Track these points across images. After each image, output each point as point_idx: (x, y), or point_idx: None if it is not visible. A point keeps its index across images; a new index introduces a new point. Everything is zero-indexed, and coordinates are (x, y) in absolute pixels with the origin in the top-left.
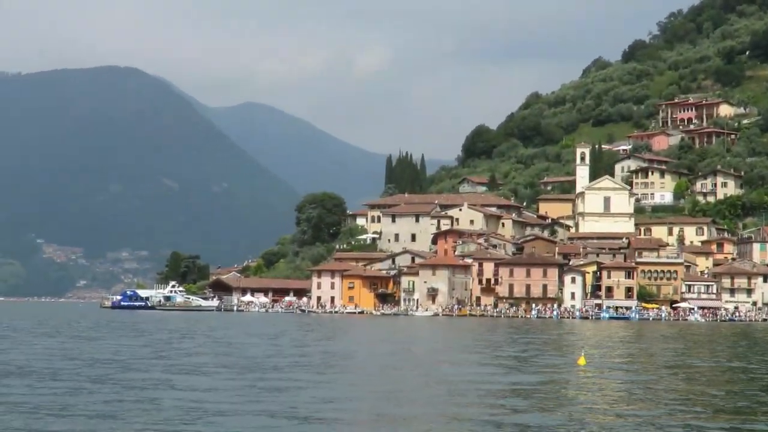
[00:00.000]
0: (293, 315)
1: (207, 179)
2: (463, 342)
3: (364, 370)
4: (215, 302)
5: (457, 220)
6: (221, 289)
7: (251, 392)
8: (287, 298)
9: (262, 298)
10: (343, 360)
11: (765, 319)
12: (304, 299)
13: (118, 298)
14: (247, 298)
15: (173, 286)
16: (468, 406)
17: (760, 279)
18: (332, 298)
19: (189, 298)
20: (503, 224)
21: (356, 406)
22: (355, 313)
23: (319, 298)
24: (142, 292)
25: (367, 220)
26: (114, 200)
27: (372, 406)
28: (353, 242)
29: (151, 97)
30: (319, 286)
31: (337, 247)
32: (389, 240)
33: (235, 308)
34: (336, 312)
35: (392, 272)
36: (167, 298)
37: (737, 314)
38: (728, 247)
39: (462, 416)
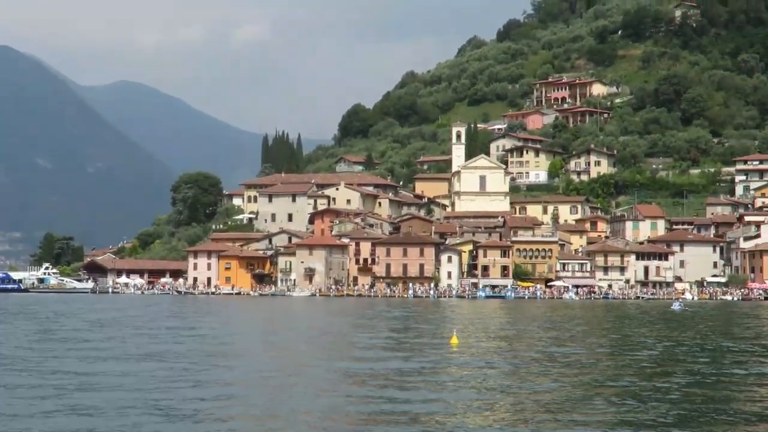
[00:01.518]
0: (170, 296)
1: (82, 159)
2: (335, 323)
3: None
4: (90, 284)
5: (334, 199)
6: (96, 270)
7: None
8: (163, 280)
9: (137, 280)
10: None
11: (638, 297)
12: (181, 280)
13: None
14: (123, 279)
15: (47, 268)
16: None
17: (633, 257)
18: (209, 279)
19: (63, 281)
20: (380, 203)
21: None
22: (232, 293)
23: (195, 279)
24: (15, 275)
25: (243, 200)
26: None
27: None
28: (230, 222)
29: (23, 76)
30: (195, 267)
31: (214, 227)
32: (266, 220)
33: (110, 290)
34: (213, 293)
35: (269, 252)
36: (41, 281)
37: (611, 292)
38: (602, 226)
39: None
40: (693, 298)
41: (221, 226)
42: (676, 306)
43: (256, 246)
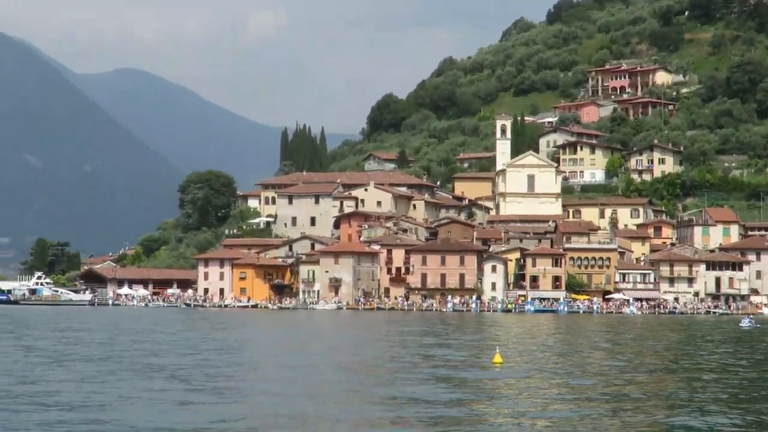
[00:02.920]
0: (177, 309)
1: (76, 156)
2: (367, 340)
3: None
4: (88, 296)
5: (363, 201)
6: (94, 280)
7: None
8: (170, 291)
9: (141, 291)
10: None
11: (708, 311)
12: (189, 291)
13: None
14: (124, 290)
15: (39, 278)
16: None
17: (702, 266)
18: (221, 290)
19: (58, 291)
20: (414, 206)
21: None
22: (247, 306)
23: (206, 290)
24: (3, 285)
25: (260, 202)
26: None
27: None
28: (245, 227)
29: (12, 63)
30: (206, 276)
31: (227, 232)
32: (286, 224)
33: (110, 302)
34: (226, 306)
35: (289, 261)
36: (33, 292)
37: (677, 306)
38: (667, 231)
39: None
40: None
41: (235, 231)
42: (745, 323)
43: (275, 253)
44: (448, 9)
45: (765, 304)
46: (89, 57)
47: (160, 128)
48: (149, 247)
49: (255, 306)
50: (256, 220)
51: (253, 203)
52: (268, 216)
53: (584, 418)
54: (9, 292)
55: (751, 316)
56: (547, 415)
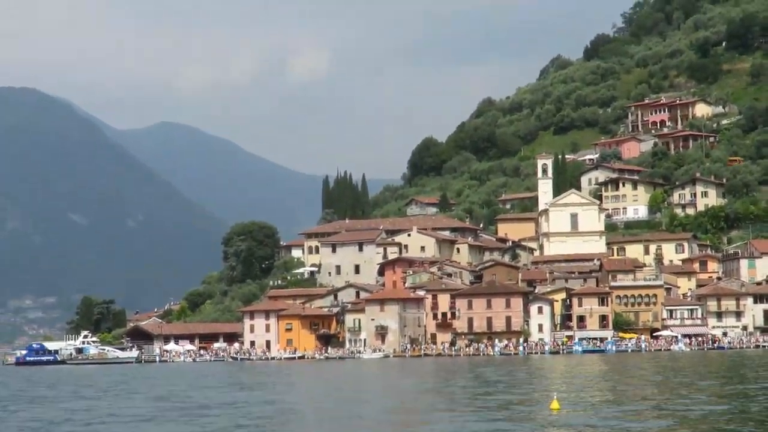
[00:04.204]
0: (224, 363)
1: (120, 212)
2: (414, 390)
3: None
4: (134, 352)
5: (406, 247)
6: (141, 337)
7: None
8: (216, 345)
9: (187, 346)
10: None
11: (758, 345)
12: (236, 345)
13: (23, 352)
14: (171, 346)
15: (85, 337)
16: None
17: (750, 300)
18: (267, 342)
19: (104, 350)
20: (458, 249)
21: None
22: (294, 358)
23: (252, 343)
24: (50, 345)
25: (303, 252)
26: (12, 239)
27: None
28: (289, 277)
29: (52, 121)
30: (252, 329)
31: (271, 283)
32: (330, 273)
33: (157, 358)
34: (272, 358)
35: (335, 310)
36: (79, 351)
37: (726, 341)
38: (713, 265)
39: None
40: None
41: (279, 281)
42: None
43: (320, 303)
44: (485, 48)
45: None
46: (129, 112)
47: (202, 181)
48: (194, 301)
49: (302, 357)
50: (300, 270)
51: (296, 253)
52: (312, 265)
53: None
54: (56, 352)
55: None
56: None
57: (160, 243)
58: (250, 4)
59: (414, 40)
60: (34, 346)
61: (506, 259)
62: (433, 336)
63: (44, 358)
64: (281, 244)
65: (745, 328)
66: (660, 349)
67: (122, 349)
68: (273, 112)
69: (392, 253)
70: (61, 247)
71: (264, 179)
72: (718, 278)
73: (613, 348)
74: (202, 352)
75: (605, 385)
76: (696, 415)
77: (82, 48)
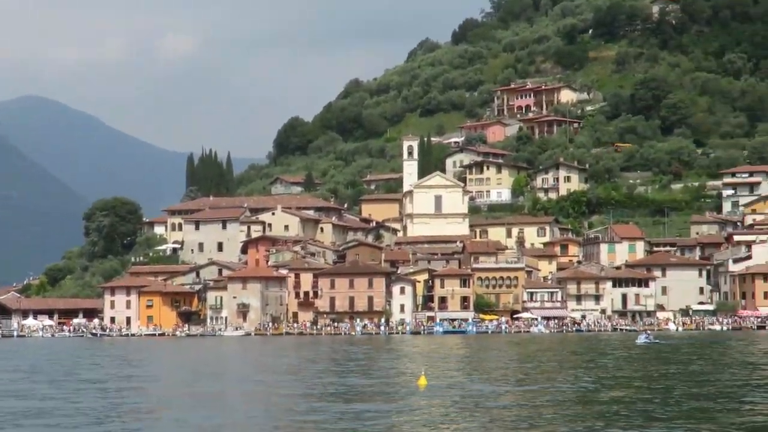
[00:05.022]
0: (83, 339)
1: None
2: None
3: None
4: None
5: (270, 225)
6: None
7: None
8: (76, 320)
9: (46, 321)
10: None
11: (615, 328)
12: (96, 321)
13: None
14: (29, 321)
15: None
16: None
17: (609, 284)
18: (128, 319)
19: None
20: (322, 229)
21: None
22: (155, 335)
23: (113, 319)
24: None
25: (166, 229)
26: None
27: None
28: (151, 254)
29: None
30: (112, 305)
31: (133, 260)
32: (192, 250)
33: (15, 334)
34: (133, 335)
35: (197, 287)
36: None
37: (584, 324)
38: (573, 249)
39: None
40: (677, 329)
41: (141, 258)
42: (642, 339)
43: (182, 280)
44: (353, 30)
45: (671, 320)
46: None
47: (63, 156)
48: (54, 276)
49: (162, 334)
50: (163, 247)
51: (159, 230)
52: (175, 242)
53: None
54: None
55: (649, 332)
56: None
57: (20, 217)
58: None
59: (283, 22)
60: None
61: (370, 239)
62: (295, 315)
63: None
64: (144, 221)
65: (603, 311)
66: (519, 331)
67: None
68: (141, 91)
69: (256, 231)
70: None
71: (128, 155)
72: (579, 262)
73: (474, 329)
74: (61, 327)
75: (469, 364)
76: (544, 392)
77: None
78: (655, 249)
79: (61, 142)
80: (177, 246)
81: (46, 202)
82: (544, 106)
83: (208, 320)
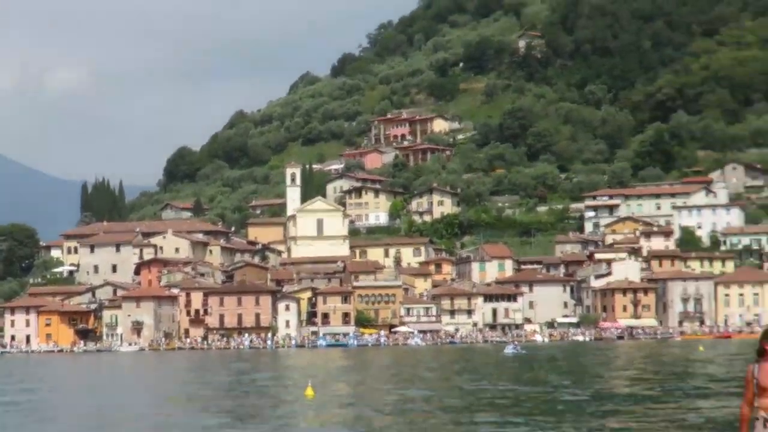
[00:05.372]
0: None
1: None
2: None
3: None
4: None
5: (162, 248)
6: None
7: None
8: None
9: None
10: None
11: (486, 340)
12: None
13: None
14: None
15: None
16: None
17: (480, 299)
18: (27, 337)
19: None
20: (211, 251)
21: None
22: (53, 351)
23: (13, 337)
24: None
25: (63, 252)
26: None
27: None
28: (49, 276)
29: None
30: (12, 324)
31: (32, 281)
32: (88, 272)
33: None
34: (32, 351)
35: (93, 306)
36: None
37: (458, 336)
38: (447, 268)
39: None
40: (544, 340)
41: (40, 279)
42: (509, 350)
43: (79, 300)
44: (237, 63)
45: (537, 332)
46: None
47: None
48: None
49: (60, 350)
50: (60, 269)
51: (56, 253)
52: (71, 265)
53: None
54: None
55: (516, 343)
56: None
57: None
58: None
59: (169, 58)
60: None
61: (256, 260)
62: (187, 331)
63: None
64: (41, 245)
65: (475, 324)
66: (398, 344)
67: None
68: (33, 122)
69: (148, 254)
70: None
71: (22, 183)
72: (452, 279)
73: (355, 342)
74: None
75: (352, 375)
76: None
77: None
78: (523, 267)
79: None
80: (73, 268)
81: None
82: (419, 135)
83: (104, 337)
